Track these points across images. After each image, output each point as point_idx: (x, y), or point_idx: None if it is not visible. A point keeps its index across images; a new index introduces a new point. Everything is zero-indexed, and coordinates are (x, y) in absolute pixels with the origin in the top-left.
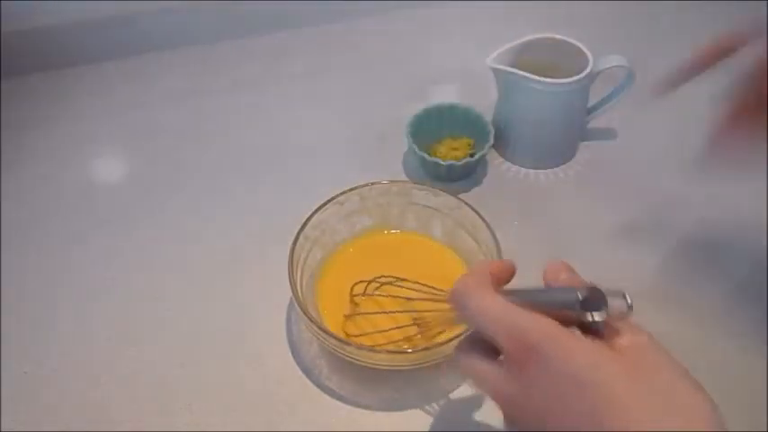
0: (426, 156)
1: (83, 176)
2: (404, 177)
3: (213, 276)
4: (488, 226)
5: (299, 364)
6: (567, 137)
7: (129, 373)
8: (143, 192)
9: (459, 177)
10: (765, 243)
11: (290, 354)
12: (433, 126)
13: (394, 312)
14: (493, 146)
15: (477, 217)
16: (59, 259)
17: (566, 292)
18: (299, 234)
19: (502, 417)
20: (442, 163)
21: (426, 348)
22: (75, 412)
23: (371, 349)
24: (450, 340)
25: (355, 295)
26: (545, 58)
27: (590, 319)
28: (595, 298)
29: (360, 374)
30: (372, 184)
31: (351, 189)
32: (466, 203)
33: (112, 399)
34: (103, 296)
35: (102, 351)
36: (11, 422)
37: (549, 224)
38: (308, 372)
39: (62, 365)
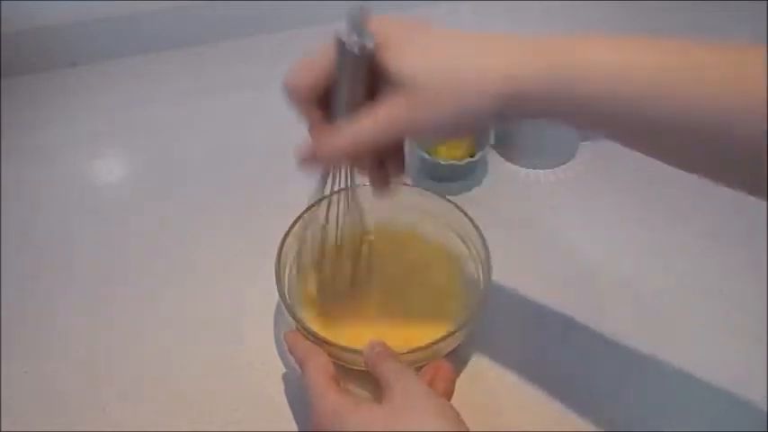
0: (426, 156)
1: (83, 176)
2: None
3: (213, 275)
4: (477, 228)
5: (288, 364)
6: (567, 137)
7: (129, 374)
8: (143, 191)
9: (460, 177)
10: (765, 241)
11: (283, 354)
12: None
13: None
14: (493, 146)
15: (466, 219)
16: (59, 259)
17: (339, 52)
18: (286, 234)
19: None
20: (443, 163)
21: (410, 351)
22: (76, 412)
23: (348, 350)
24: (436, 342)
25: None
26: None
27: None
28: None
29: (348, 374)
30: (363, 184)
31: (341, 189)
32: (456, 206)
33: (112, 399)
34: (103, 296)
35: (102, 351)
36: (11, 422)
37: (548, 224)
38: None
39: (62, 365)
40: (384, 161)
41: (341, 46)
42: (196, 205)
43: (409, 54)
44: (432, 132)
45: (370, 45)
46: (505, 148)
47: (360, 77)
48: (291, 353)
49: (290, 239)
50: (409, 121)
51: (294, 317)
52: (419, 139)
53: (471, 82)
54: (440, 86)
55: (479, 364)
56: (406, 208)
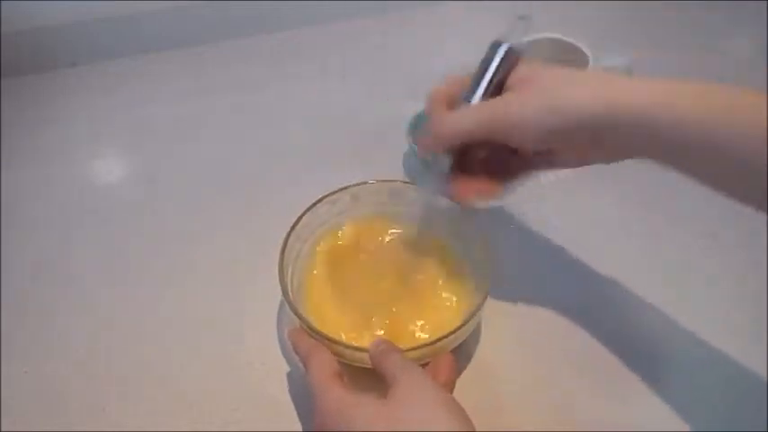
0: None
1: (83, 176)
2: (403, 177)
3: (213, 275)
4: (478, 228)
5: (292, 363)
6: None
7: (129, 374)
8: (143, 192)
9: None
10: (765, 241)
11: (285, 353)
12: None
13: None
14: None
15: (467, 219)
16: (59, 259)
17: (492, 48)
18: (289, 233)
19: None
20: None
21: (415, 348)
22: (76, 412)
23: (352, 347)
24: (440, 340)
25: None
26: (545, 58)
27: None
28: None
29: (352, 373)
30: (364, 183)
31: (342, 188)
32: (456, 205)
33: (112, 399)
34: (103, 296)
35: (102, 351)
36: (11, 422)
37: (548, 224)
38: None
39: (62, 365)
40: (492, 172)
41: (496, 44)
42: (196, 205)
43: (529, 69)
44: (519, 126)
45: (522, 48)
46: None
47: (499, 74)
48: (295, 351)
49: (293, 237)
50: (502, 114)
51: (297, 314)
52: (513, 141)
53: (564, 94)
54: (537, 88)
55: (481, 363)
56: (408, 205)
